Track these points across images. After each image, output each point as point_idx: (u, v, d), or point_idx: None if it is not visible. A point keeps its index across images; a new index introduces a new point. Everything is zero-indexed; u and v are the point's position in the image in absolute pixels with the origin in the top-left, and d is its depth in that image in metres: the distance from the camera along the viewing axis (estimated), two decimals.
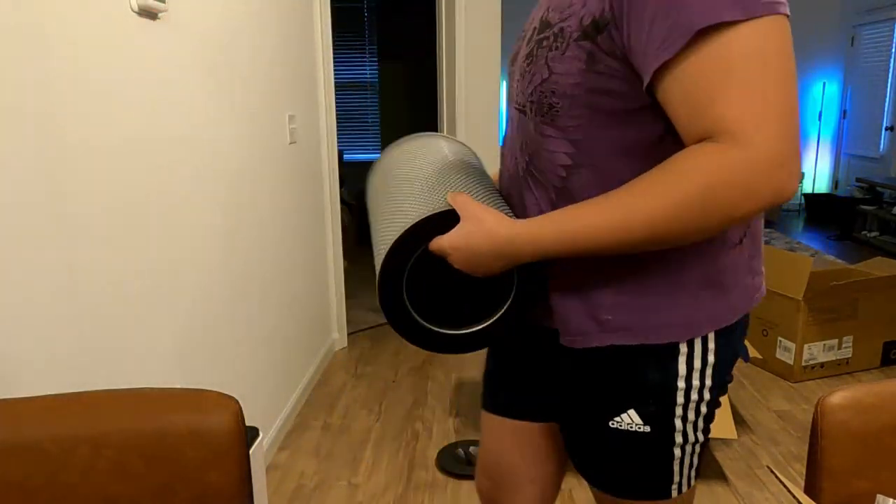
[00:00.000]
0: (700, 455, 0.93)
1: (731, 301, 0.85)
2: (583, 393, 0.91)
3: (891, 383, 0.98)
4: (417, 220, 0.85)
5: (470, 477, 2.21)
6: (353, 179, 7.04)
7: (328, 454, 2.37)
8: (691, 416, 0.88)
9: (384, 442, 2.45)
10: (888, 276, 2.88)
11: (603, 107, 0.77)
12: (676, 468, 0.91)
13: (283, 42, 2.49)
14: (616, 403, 0.87)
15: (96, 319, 1.32)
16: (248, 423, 2.10)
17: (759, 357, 2.81)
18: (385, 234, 0.92)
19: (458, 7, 3.55)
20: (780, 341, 2.92)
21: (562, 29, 0.78)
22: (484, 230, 0.81)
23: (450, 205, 0.84)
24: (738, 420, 2.56)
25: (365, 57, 6.71)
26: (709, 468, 2.22)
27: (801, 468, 2.25)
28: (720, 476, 2.17)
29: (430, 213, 0.85)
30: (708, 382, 0.86)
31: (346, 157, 7.00)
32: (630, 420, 0.87)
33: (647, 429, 0.87)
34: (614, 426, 0.88)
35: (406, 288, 0.90)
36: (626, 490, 0.93)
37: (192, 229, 1.72)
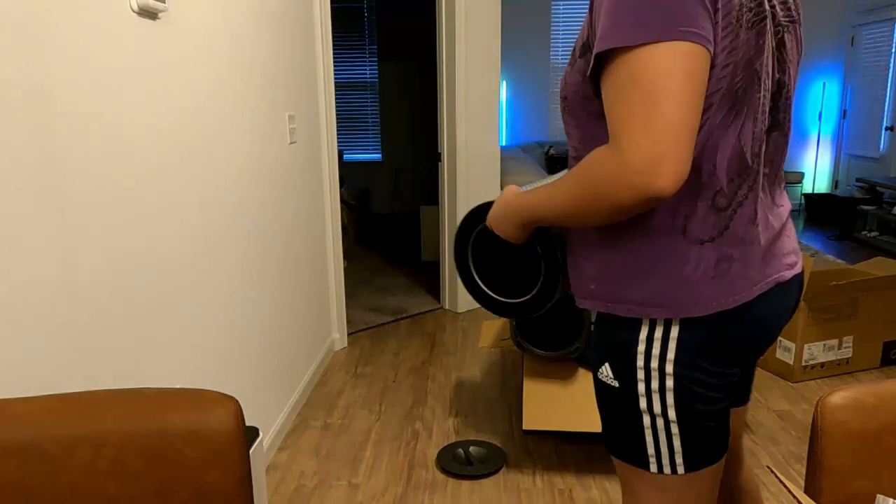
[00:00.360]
0: (681, 441, 0.98)
1: (694, 295, 0.94)
2: (592, 347, 1.07)
3: (891, 383, 0.98)
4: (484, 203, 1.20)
5: (470, 477, 2.21)
6: (353, 179, 7.05)
7: (328, 454, 2.37)
8: (654, 385, 0.96)
9: (384, 442, 2.45)
10: (888, 276, 2.88)
11: (593, 110, 0.95)
12: (649, 438, 0.99)
13: (283, 42, 2.49)
14: (600, 357, 1.02)
15: (96, 319, 1.32)
16: (248, 423, 2.10)
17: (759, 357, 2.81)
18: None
19: (458, 7, 3.55)
20: (780, 341, 2.92)
21: (574, 48, 0.98)
22: (502, 200, 1.10)
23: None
24: None
25: (365, 57, 6.71)
26: None
27: (801, 468, 2.25)
28: None
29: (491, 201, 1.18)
30: (669, 361, 0.95)
31: (346, 157, 7.01)
32: (607, 373, 1.01)
33: (616, 384, 1.00)
34: (599, 377, 1.03)
35: (476, 259, 1.22)
36: (612, 447, 1.05)
37: (191, 229, 1.72)
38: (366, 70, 6.75)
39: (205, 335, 1.80)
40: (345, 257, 3.42)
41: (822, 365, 2.91)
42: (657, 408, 0.97)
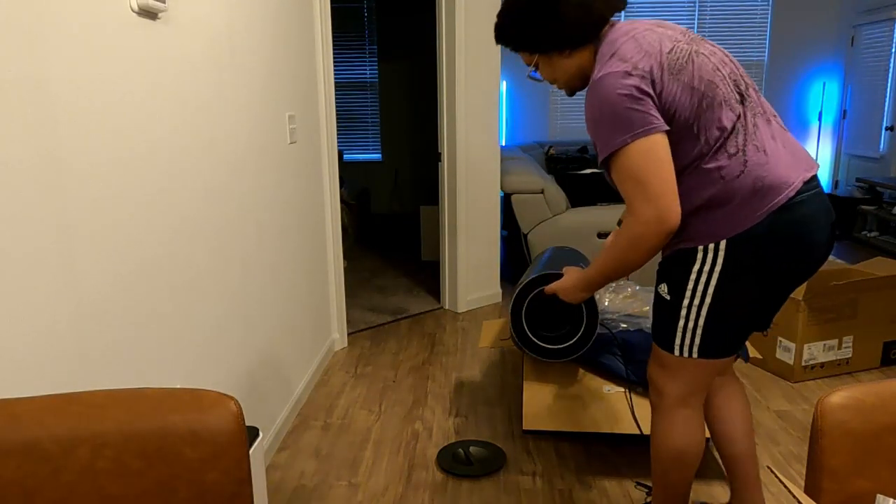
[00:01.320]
0: (701, 339, 1.45)
1: (729, 224, 1.37)
2: (657, 272, 1.54)
3: (891, 383, 0.98)
4: (548, 271, 1.77)
5: (470, 477, 2.21)
6: (353, 179, 7.04)
7: (328, 454, 2.37)
8: (696, 302, 1.43)
9: (384, 442, 2.45)
10: (888, 276, 2.88)
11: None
12: (679, 332, 1.47)
13: (283, 42, 2.49)
14: (661, 279, 1.51)
15: (96, 319, 1.32)
16: (248, 423, 2.10)
17: (759, 357, 2.81)
18: (527, 277, 1.85)
19: (458, 7, 3.55)
20: (780, 341, 2.92)
21: None
22: (572, 280, 1.65)
23: (561, 272, 1.78)
24: None
25: (365, 57, 6.71)
26: (709, 468, 2.21)
27: (801, 468, 2.25)
28: (720, 476, 2.17)
29: (553, 271, 1.80)
30: (712, 284, 1.39)
31: (346, 157, 7.00)
32: (664, 290, 1.49)
33: (669, 297, 1.47)
34: (658, 291, 1.52)
35: (530, 314, 1.80)
36: (654, 336, 1.56)
37: (190, 229, 1.72)
38: (366, 70, 6.75)
39: (205, 335, 1.80)
40: (345, 257, 3.42)
41: (822, 365, 2.91)
42: (692, 319, 1.44)
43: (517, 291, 1.74)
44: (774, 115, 1.44)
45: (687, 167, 1.38)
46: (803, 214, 1.35)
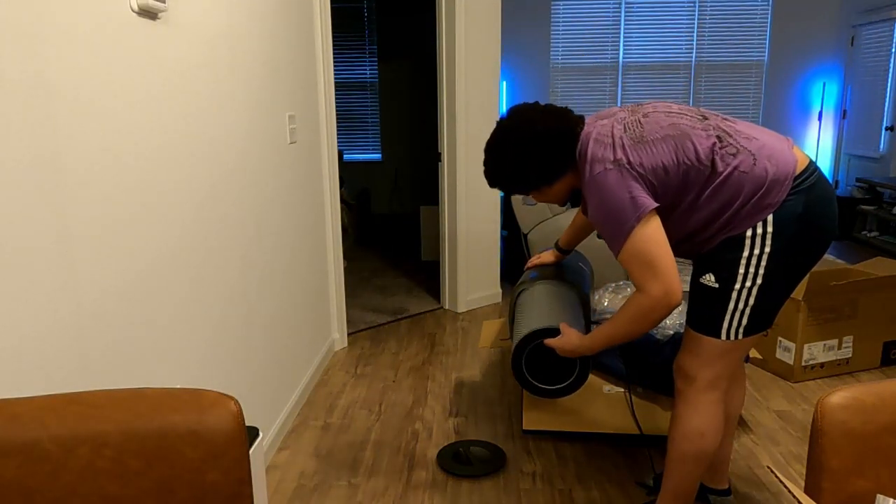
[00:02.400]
0: (749, 318, 1.55)
1: (768, 203, 1.49)
2: (698, 265, 1.62)
3: (891, 383, 0.98)
4: (546, 325, 1.86)
5: (470, 477, 2.21)
6: (353, 179, 7.05)
7: (328, 454, 2.37)
8: (748, 284, 1.52)
9: (384, 442, 2.45)
10: (888, 276, 2.87)
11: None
12: (728, 316, 1.55)
13: (283, 42, 2.49)
14: (703, 268, 1.58)
15: (96, 319, 1.32)
16: (248, 423, 2.10)
17: (759, 357, 2.81)
18: (529, 322, 1.92)
19: (458, 7, 3.55)
20: (780, 341, 2.92)
21: None
22: (570, 341, 1.76)
23: (558, 327, 1.83)
24: (739, 420, 2.55)
25: (365, 57, 6.71)
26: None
27: (801, 468, 2.25)
28: None
29: (551, 325, 1.85)
30: (763, 265, 1.51)
31: (346, 157, 7.00)
32: (709, 279, 1.56)
33: (717, 286, 1.55)
34: (701, 281, 1.58)
35: (527, 359, 1.90)
36: (693, 323, 1.62)
37: (190, 229, 1.72)
38: (366, 70, 6.75)
39: (205, 335, 1.80)
40: (345, 257, 3.42)
41: (822, 365, 2.91)
42: (742, 300, 1.53)
43: (522, 336, 1.87)
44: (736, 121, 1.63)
45: (709, 188, 1.51)
46: (825, 190, 1.52)
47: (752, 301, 1.53)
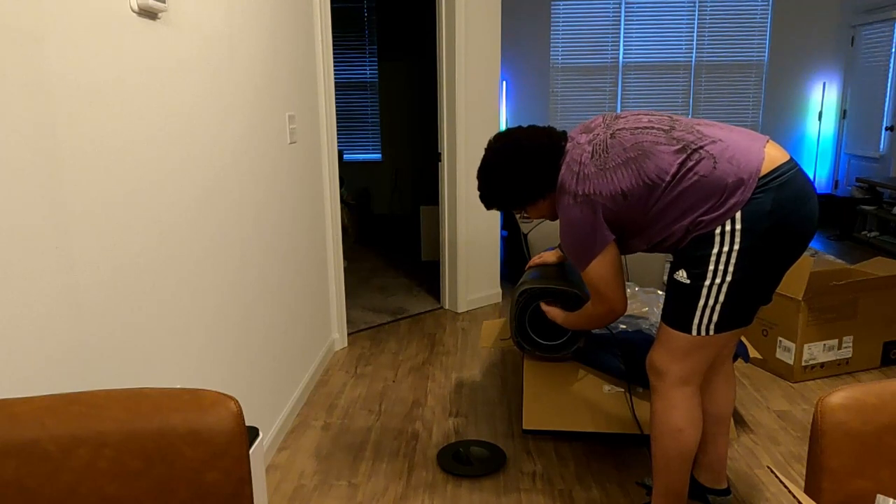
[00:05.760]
0: (719, 314, 1.59)
1: (734, 202, 1.53)
2: (672, 262, 1.68)
3: (891, 383, 0.98)
4: (562, 288, 2.23)
5: (470, 477, 2.21)
6: (353, 179, 7.05)
7: (328, 454, 2.37)
8: (717, 280, 1.56)
9: (384, 442, 2.45)
10: (888, 276, 2.87)
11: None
12: (698, 312, 1.60)
13: (283, 42, 2.49)
14: (677, 265, 1.64)
15: (96, 319, 1.32)
16: (248, 423, 2.10)
17: (759, 357, 2.80)
18: (543, 279, 2.28)
19: (458, 7, 3.55)
20: (780, 341, 2.92)
21: None
22: (558, 312, 2.14)
23: (573, 290, 2.23)
24: (739, 420, 2.55)
25: (365, 57, 6.71)
26: None
27: (801, 468, 2.25)
28: None
29: (566, 289, 2.23)
30: (732, 263, 1.54)
31: (346, 157, 7.00)
32: (682, 275, 1.62)
33: (688, 282, 1.60)
34: (675, 277, 1.64)
35: (531, 317, 2.32)
36: (667, 318, 1.68)
37: (190, 229, 1.71)
38: (366, 70, 6.75)
39: (205, 335, 1.80)
40: (345, 257, 3.42)
41: (822, 365, 2.91)
42: (712, 297, 1.58)
43: (526, 289, 2.12)
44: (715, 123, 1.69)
45: (670, 197, 1.59)
46: (799, 189, 1.54)
47: (721, 297, 1.57)
